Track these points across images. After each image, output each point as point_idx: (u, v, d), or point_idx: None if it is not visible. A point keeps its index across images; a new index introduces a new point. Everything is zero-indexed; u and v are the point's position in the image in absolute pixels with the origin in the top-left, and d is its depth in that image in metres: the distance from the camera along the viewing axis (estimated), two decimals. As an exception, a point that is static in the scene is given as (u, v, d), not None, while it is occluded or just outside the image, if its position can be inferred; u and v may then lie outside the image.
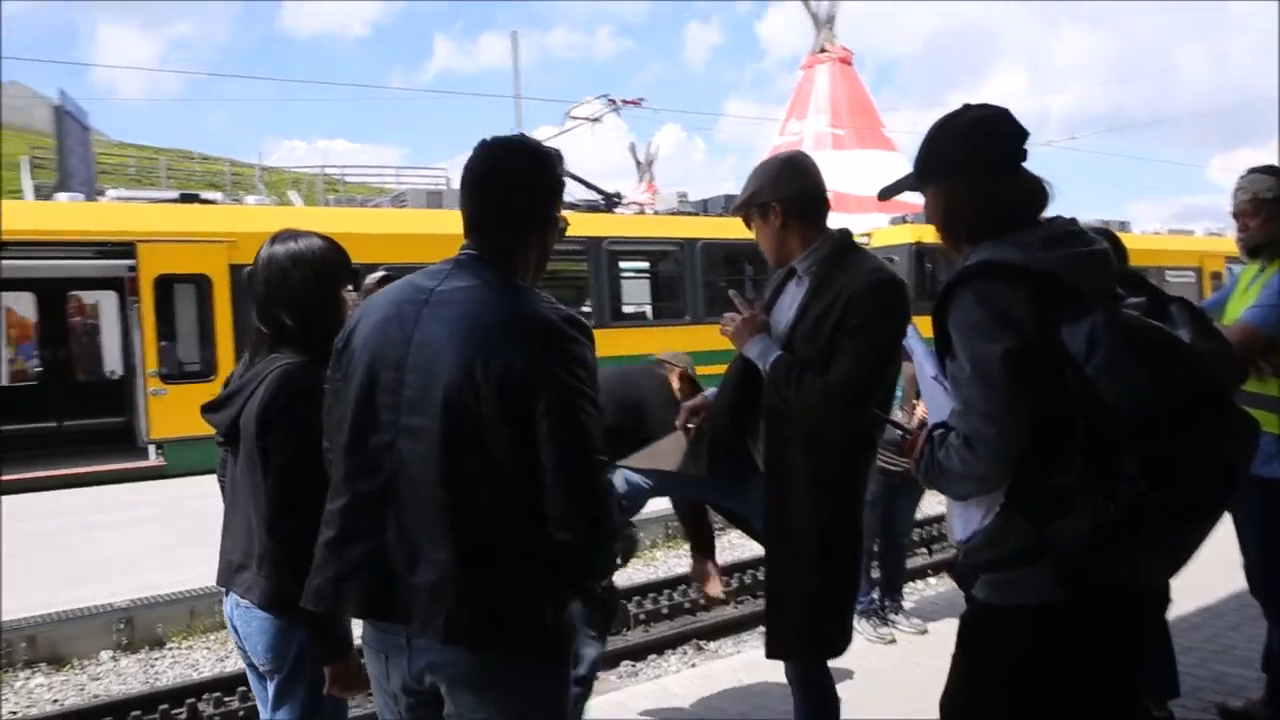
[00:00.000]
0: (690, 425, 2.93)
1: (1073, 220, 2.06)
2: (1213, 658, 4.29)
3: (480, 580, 1.79)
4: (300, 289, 2.38)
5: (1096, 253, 1.97)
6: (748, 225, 2.88)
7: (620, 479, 2.91)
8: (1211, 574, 4.24)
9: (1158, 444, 1.77)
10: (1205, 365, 1.86)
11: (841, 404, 2.54)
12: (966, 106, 2.13)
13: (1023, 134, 2.08)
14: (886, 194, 2.37)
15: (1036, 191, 2.07)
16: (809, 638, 2.72)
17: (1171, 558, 1.93)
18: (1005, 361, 1.81)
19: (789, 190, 2.75)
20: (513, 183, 1.98)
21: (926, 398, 2.12)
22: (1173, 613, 4.75)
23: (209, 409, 2.45)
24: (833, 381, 2.54)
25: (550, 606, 1.85)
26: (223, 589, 2.47)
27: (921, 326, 2.20)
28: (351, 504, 1.88)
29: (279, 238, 2.44)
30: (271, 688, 2.41)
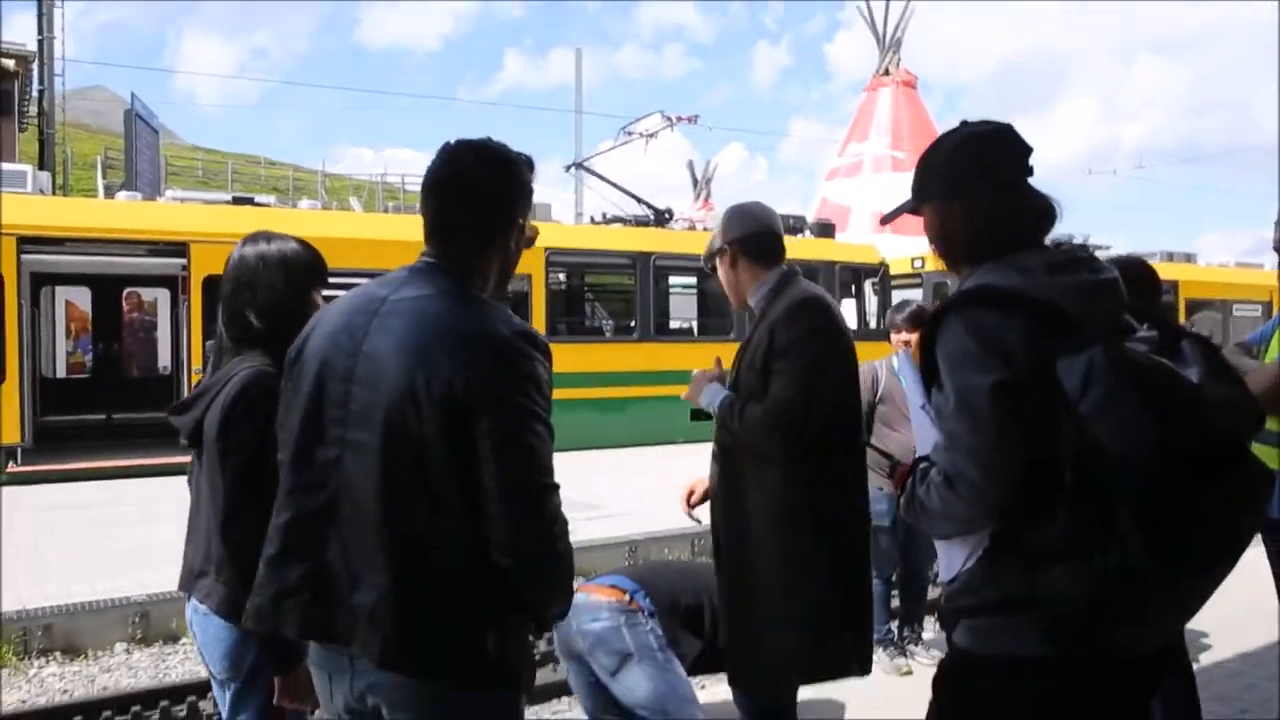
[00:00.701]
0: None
1: (1082, 245, 1.93)
2: (1254, 708, 4.03)
3: (417, 606, 1.71)
4: (268, 291, 2.32)
5: (1105, 281, 1.83)
6: (715, 275, 3.03)
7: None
8: (1255, 616, 3.99)
9: (1155, 495, 1.62)
10: (1213, 410, 1.70)
11: (779, 424, 2.59)
12: (964, 123, 2.00)
13: (1026, 150, 1.94)
14: (888, 219, 2.25)
15: (1043, 210, 1.92)
16: (764, 666, 2.71)
17: (1173, 615, 1.78)
18: (994, 395, 1.67)
19: (737, 232, 2.90)
20: (476, 186, 1.89)
21: (915, 428, 1.99)
22: (1209, 657, 4.54)
23: (174, 411, 2.40)
24: (768, 405, 2.61)
25: (494, 635, 1.75)
26: (184, 594, 2.42)
27: None
28: (294, 520, 1.82)
29: (251, 239, 2.39)
30: (228, 696, 2.36)
